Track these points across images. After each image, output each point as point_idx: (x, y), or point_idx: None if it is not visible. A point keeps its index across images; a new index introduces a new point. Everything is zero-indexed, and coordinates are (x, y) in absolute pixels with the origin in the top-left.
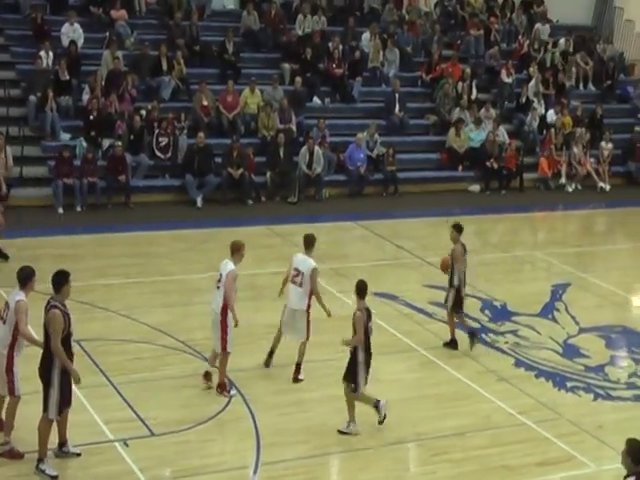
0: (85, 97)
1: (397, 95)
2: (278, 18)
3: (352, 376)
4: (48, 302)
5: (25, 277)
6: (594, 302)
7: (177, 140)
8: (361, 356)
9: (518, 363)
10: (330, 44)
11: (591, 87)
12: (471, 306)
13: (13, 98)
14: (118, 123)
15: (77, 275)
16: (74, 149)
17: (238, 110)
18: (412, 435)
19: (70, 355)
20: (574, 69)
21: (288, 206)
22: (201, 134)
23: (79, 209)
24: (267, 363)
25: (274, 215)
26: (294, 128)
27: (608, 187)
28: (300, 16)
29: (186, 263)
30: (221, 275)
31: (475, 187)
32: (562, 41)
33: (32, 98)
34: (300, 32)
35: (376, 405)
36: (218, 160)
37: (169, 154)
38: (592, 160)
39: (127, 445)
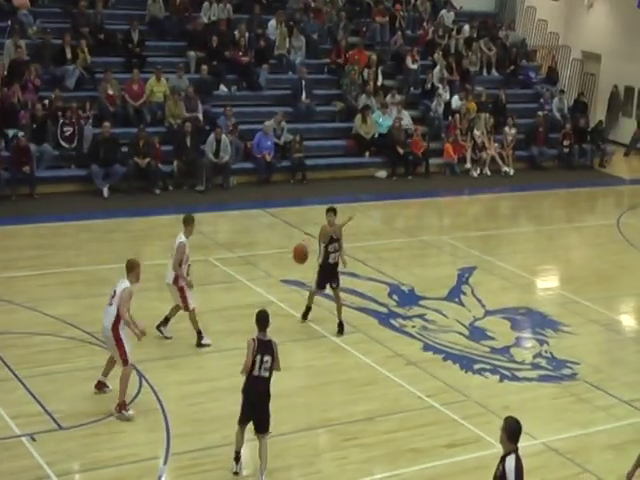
0: None
1: (304, 82)
2: (183, 6)
3: None
4: None
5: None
6: (499, 285)
7: (82, 130)
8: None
9: (426, 347)
10: (236, 32)
11: (495, 73)
12: (379, 291)
13: None
14: (22, 113)
15: None
16: None
17: (144, 99)
18: (323, 421)
19: None
20: (478, 55)
21: (196, 195)
22: (107, 123)
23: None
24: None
25: (182, 204)
26: (201, 116)
27: (512, 171)
28: (206, 4)
29: (92, 254)
30: (115, 292)
31: (382, 173)
32: (466, 27)
33: None
34: (206, 20)
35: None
36: (124, 149)
37: (74, 144)
38: (496, 145)
39: (34, 439)
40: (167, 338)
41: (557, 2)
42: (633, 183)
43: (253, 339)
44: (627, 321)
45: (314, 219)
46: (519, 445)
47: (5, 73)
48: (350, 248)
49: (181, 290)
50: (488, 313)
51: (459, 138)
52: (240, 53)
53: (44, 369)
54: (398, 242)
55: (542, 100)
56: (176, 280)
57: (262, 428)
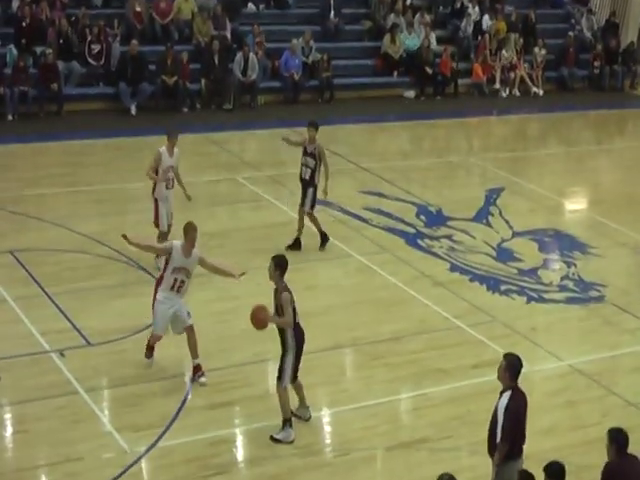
0: (15, 4)
1: (332, 1)
2: None
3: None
4: None
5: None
6: (527, 206)
7: (110, 47)
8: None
9: (453, 267)
10: None
11: None
12: (407, 211)
13: None
14: (49, 30)
15: (9, 185)
16: (4, 57)
17: (172, 16)
18: (349, 340)
19: None
20: None
21: (223, 113)
22: (134, 41)
23: (10, 118)
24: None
25: (209, 123)
26: (229, 35)
27: (541, 92)
28: None
29: (120, 172)
30: None
31: (410, 93)
32: None
33: None
34: None
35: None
36: (152, 67)
37: (102, 62)
38: (525, 65)
39: (63, 355)
40: None
41: None
42: None
43: (286, 289)
44: None
45: (342, 139)
46: (519, 382)
47: None
48: (378, 168)
49: (155, 202)
50: (516, 234)
51: (488, 58)
52: None
53: (73, 286)
54: (426, 163)
55: (573, 20)
56: (153, 190)
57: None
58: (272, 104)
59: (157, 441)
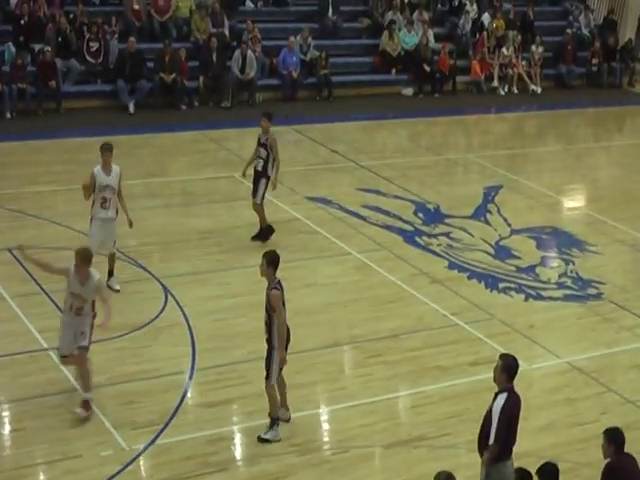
0: (13, 1)
1: None
2: None
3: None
4: None
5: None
6: (525, 204)
7: (108, 45)
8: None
9: (451, 265)
10: None
11: None
12: (405, 209)
13: None
14: (48, 27)
15: (7, 183)
16: (2, 55)
17: (170, 13)
18: (348, 338)
19: None
20: None
21: (221, 111)
22: (132, 39)
23: (9, 116)
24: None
25: (207, 120)
26: (227, 32)
27: (539, 89)
28: None
29: None
30: None
31: (408, 90)
32: None
33: None
34: None
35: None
36: (150, 65)
37: (100, 59)
38: (523, 63)
39: None
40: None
41: None
42: None
43: (277, 288)
44: None
45: (339, 136)
46: (515, 383)
47: None
48: (376, 166)
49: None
50: (514, 232)
51: (486, 56)
52: None
53: None
54: (424, 160)
55: (571, 18)
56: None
57: None
58: (270, 101)
59: (156, 438)
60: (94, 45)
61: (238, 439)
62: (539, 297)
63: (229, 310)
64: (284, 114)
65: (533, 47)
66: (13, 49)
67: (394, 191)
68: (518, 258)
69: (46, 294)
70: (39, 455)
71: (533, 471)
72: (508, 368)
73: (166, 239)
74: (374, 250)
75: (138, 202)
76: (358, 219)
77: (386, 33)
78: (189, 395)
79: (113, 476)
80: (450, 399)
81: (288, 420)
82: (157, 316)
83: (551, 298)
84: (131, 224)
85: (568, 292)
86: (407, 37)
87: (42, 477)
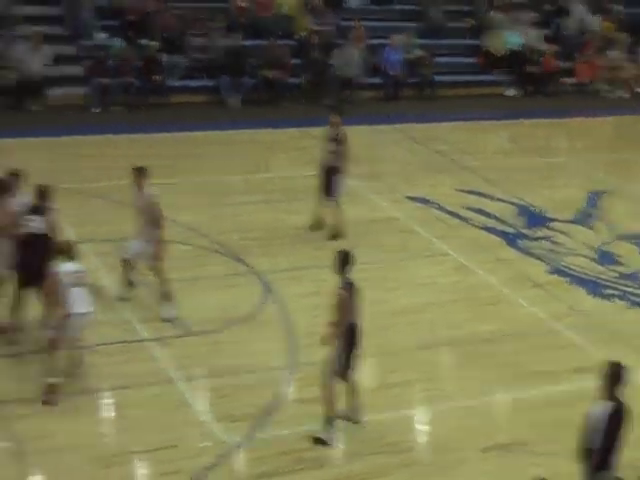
0: None
1: None
2: None
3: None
4: None
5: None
6: (630, 209)
7: (212, 41)
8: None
9: (552, 269)
10: None
11: None
12: (507, 211)
13: None
14: (154, 22)
15: (110, 174)
16: (110, 49)
17: (274, 10)
18: (446, 338)
19: None
20: None
21: (323, 108)
22: (236, 35)
23: (114, 109)
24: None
25: (309, 117)
26: (330, 30)
27: None
28: None
29: (220, 164)
30: None
31: (512, 91)
32: None
33: None
34: None
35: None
36: (253, 61)
37: (205, 55)
38: (632, 65)
39: (162, 344)
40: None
41: None
42: None
43: (345, 288)
44: None
45: (441, 136)
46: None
47: None
48: (478, 167)
49: None
50: (617, 237)
51: (593, 58)
52: None
53: (172, 276)
54: (526, 162)
55: None
56: None
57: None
58: (372, 100)
59: (252, 432)
60: (199, 41)
61: (334, 436)
62: None
63: (325, 307)
64: (386, 113)
65: None
66: (120, 44)
67: (496, 193)
68: (621, 264)
69: (147, 285)
70: (136, 443)
71: None
72: (615, 376)
73: (266, 235)
74: (474, 252)
75: (238, 197)
76: (459, 220)
77: (490, 33)
78: (286, 390)
79: (209, 467)
80: (551, 405)
81: (357, 422)
82: (256, 311)
83: None
84: None
85: None
86: (511, 37)
87: (139, 464)
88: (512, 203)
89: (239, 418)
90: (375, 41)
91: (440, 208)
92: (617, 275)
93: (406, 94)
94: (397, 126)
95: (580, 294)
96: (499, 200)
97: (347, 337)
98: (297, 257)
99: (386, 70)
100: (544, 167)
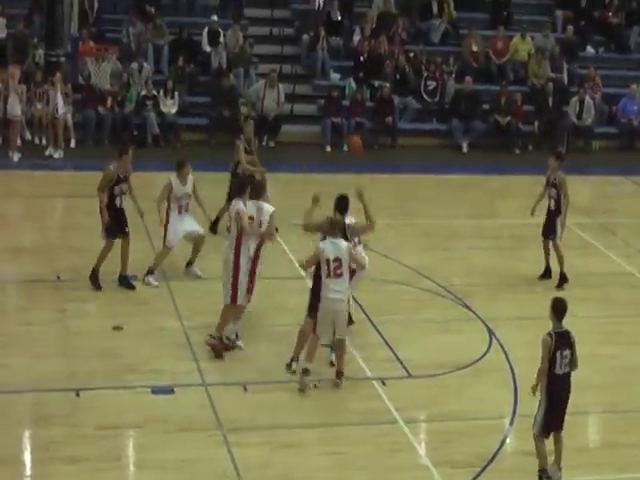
0: (356, 38)
1: None
2: None
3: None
4: None
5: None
6: None
7: (445, 84)
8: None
9: None
10: None
11: None
12: None
13: (287, 37)
14: (387, 64)
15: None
16: (343, 89)
17: (508, 56)
18: None
19: None
20: None
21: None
22: (469, 79)
23: (345, 148)
24: None
25: (541, 164)
26: (565, 77)
27: None
28: None
29: (448, 207)
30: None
31: None
32: None
33: (305, 37)
34: None
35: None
36: (485, 106)
37: (436, 98)
38: None
39: (384, 384)
40: None
41: None
42: None
43: (550, 334)
44: None
45: None
46: None
47: (373, 25)
48: None
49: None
50: None
51: None
52: (610, 14)
53: (397, 317)
54: None
55: None
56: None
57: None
58: (607, 150)
59: None
60: (431, 84)
61: None
62: None
63: None
64: (620, 163)
65: None
66: (353, 84)
67: None
68: None
69: (373, 325)
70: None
71: None
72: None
73: (493, 281)
74: None
75: (467, 241)
76: None
77: None
78: (508, 441)
79: None
80: None
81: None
82: (481, 357)
83: None
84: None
85: None
86: None
87: None
88: None
89: (460, 465)
90: (611, 90)
91: None
92: None
93: None
94: (633, 178)
95: None
96: None
97: (549, 389)
98: (523, 305)
99: (622, 119)
100: None
